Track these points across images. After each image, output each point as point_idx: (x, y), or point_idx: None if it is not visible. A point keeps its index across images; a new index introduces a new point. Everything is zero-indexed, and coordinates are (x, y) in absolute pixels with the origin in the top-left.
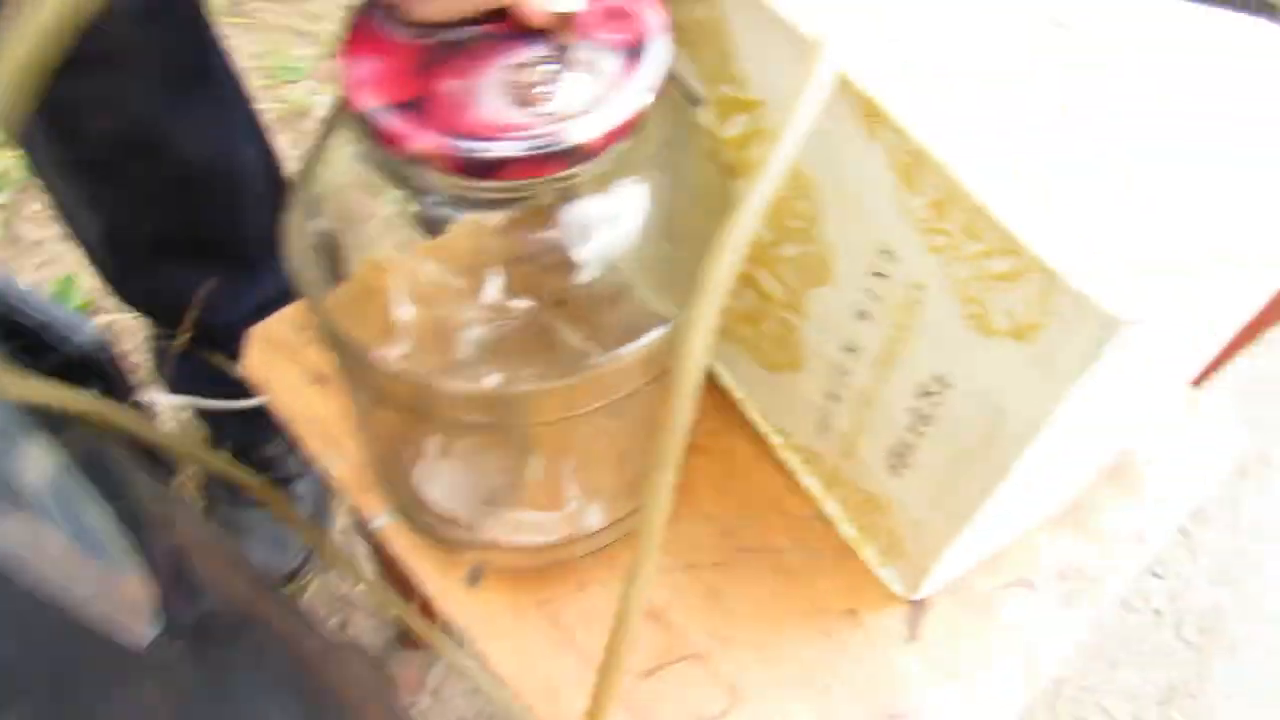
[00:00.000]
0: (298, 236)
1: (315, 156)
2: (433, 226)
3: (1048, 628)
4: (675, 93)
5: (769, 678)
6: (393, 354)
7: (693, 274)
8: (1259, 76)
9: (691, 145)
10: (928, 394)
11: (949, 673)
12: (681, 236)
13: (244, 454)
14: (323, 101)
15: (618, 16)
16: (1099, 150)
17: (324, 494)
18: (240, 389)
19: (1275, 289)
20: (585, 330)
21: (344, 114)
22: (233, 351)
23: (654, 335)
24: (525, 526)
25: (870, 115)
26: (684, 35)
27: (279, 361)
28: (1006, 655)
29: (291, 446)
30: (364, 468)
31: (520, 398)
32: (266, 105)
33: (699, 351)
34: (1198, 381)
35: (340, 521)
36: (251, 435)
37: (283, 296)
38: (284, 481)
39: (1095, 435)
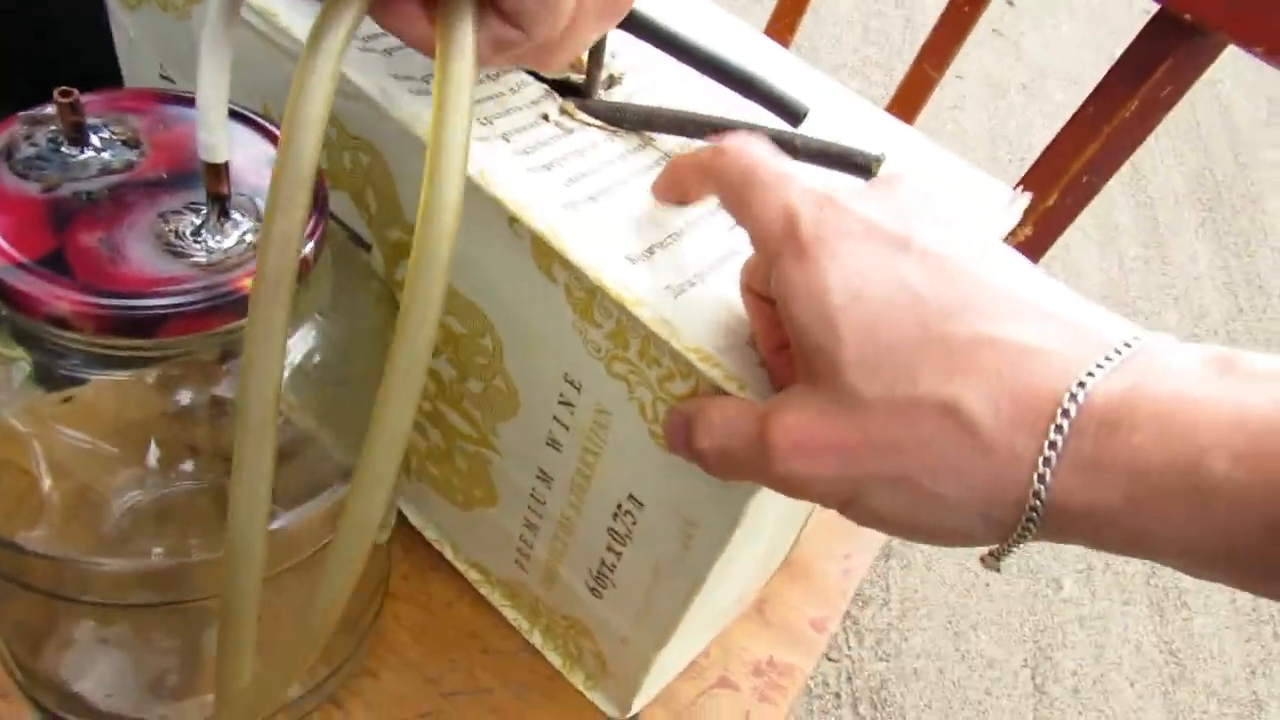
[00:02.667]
0: None
1: None
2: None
3: None
4: (342, 238)
5: None
6: (35, 534)
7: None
8: None
9: (363, 290)
10: (623, 513)
11: None
12: (358, 382)
13: None
14: None
15: (269, 160)
16: None
17: None
18: None
19: None
20: None
21: None
22: None
23: (337, 490)
24: (206, 710)
25: (543, 253)
26: (347, 181)
27: None
28: None
29: None
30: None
31: (188, 570)
32: None
33: (371, 517)
34: None
35: None
36: None
37: None
38: None
39: (773, 531)
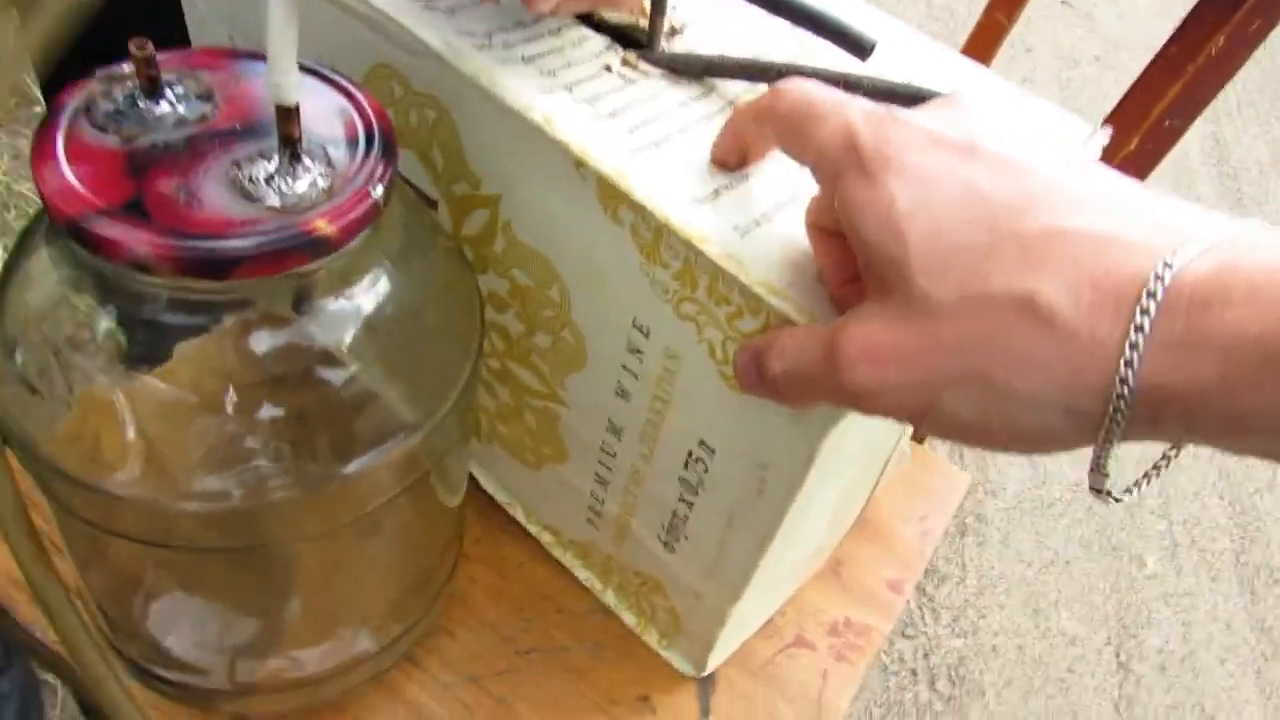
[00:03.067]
0: None
1: (4, 290)
2: (152, 351)
3: (827, 684)
4: (410, 195)
5: None
6: (121, 479)
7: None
8: None
9: (432, 246)
10: (694, 461)
11: None
12: (426, 336)
13: None
14: None
15: (339, 110)
16: None
17: (33, 684)
18: None
19: None
20: (331, 440)
21: (41, 233)
22: None
23: (402, 441)
24: (285, 665)
25: (609, 195)
26: (413, 139)
27: None
28: (795, 717)
29: None
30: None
31: (266, 511)
32: None
33: None
34: (917, 437)
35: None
36: None
37: None
38: None
39: (847, 480)
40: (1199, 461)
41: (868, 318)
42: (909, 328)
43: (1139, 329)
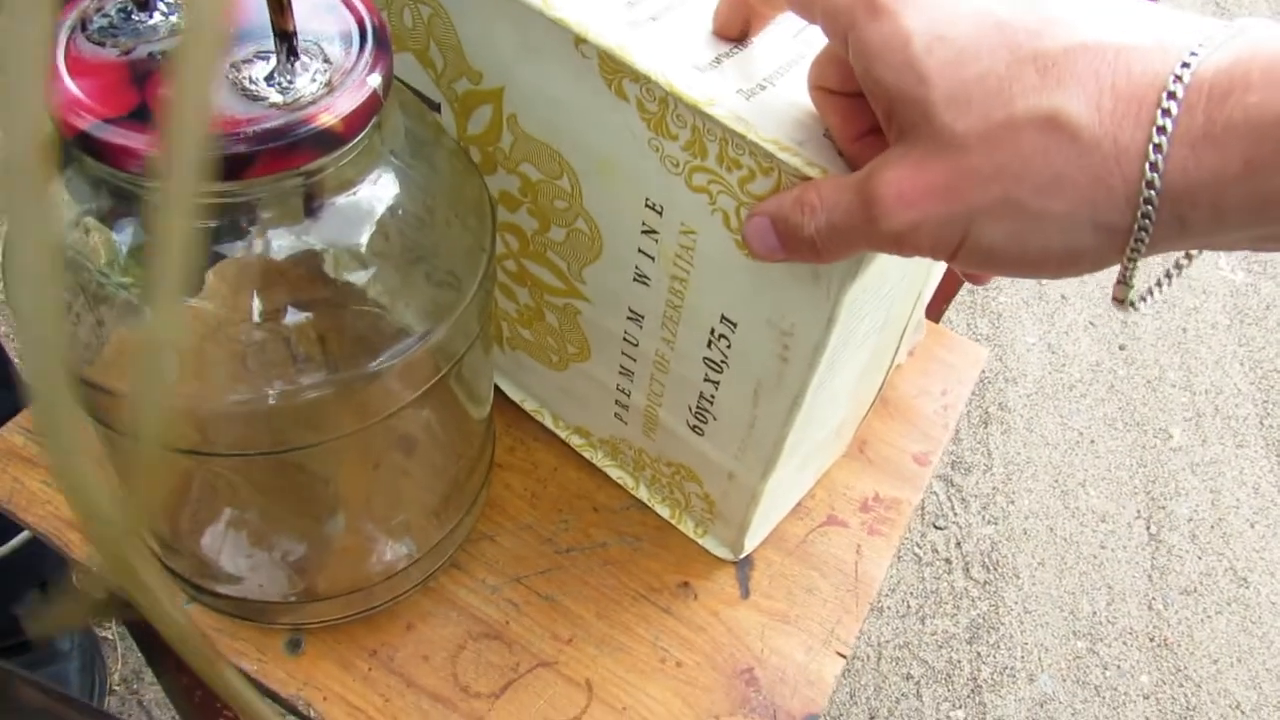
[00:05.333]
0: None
1: None
2: None
3: (862, 557)
4: (410, 96)
5: (620, 665)
6: None
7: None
8: None
9: (437, 145)
10: (717, 339)
11: (785, 618)
12: (434, 238)
13: None
14: None
15: (330, 7)
16: None
17: (93, 642)
18: None
19: None
20: (355, 339)
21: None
22: None
23: (422, 338)
24: (336, 573)
25: (612, 70)
26: (409, 40)
27: (21, 469)
28: (834, 591)
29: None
30: None
31: (296, 415)
32: None
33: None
34: (933, 315)
35: (118, 672)
36: None
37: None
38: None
39: (868, 350)
40: (1218, 331)
41: (897, 161)
42: (939, 164)
43: (1160, 130)
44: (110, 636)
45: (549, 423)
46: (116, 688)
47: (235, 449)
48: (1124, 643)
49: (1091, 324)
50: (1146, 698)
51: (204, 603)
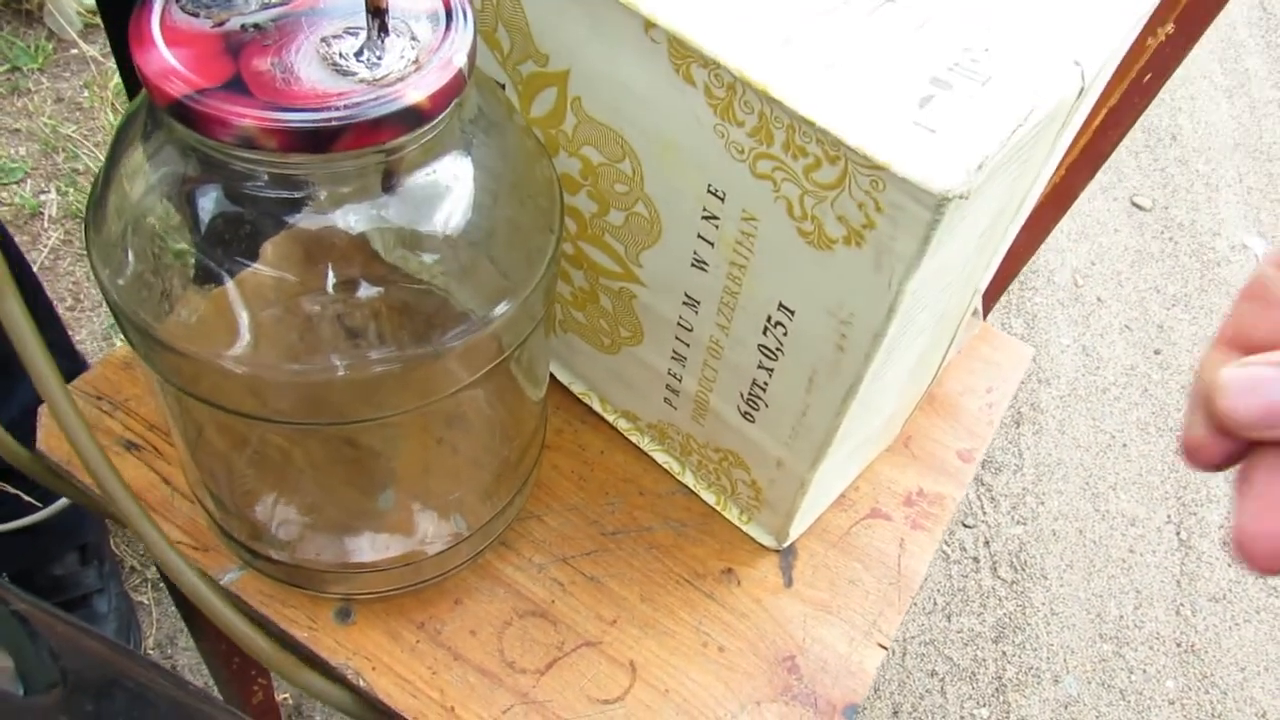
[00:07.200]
0: (110, 278)
1: (106, 191)
2: (253, 233)
3: (905, 551)
4: (483, 73)
5: (663, 648)
6: (233, 353)
7: (525, 252)
8: None
9: (509, 123)
10: (773, 326)
11: (827, 608)
12: (509, 215)
13: (27, 578)
14: (52, 199)
15: None
16: (902, 48)
17: (128, 606)
18: (13, 509)
19: (1065, 146)
20: (424, 317)
21: (137, 128)
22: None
23: (488, 320)
24: (388, 545)
25: (681, 54)
26: (477, 21)
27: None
28: (875, 583)
29: (86, 561)
30: (204, 528)
31: (361, 389)
32: None
33: None
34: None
35: (151, 636)
36: (35, 556)
37: None
38: (80, 600)
39: (924, 340)
40: None
41: None
42: None
43: None
44: (146, 601)
45: (597, 406)
46: (151, 651)
47: (294, 418)
48: (1150, 647)
49: (1127, 327)
50: (1172, 703)
51: (257, 568)
